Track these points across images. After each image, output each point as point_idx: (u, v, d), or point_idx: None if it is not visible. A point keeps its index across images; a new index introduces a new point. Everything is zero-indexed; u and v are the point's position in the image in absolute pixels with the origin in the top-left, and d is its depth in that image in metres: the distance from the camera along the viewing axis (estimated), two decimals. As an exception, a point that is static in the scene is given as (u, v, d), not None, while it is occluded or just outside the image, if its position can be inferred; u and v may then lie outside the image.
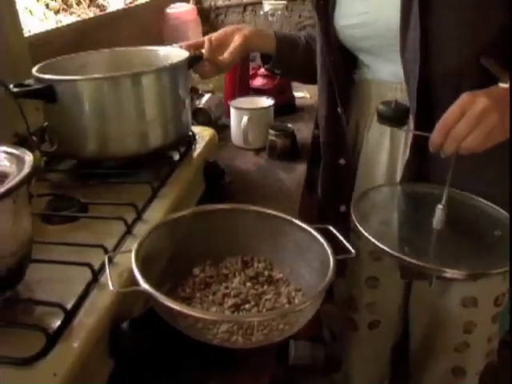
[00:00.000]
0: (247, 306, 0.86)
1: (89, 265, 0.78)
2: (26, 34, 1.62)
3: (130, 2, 3.95)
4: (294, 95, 2.02)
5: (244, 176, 1.48)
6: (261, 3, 2.47)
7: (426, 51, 1.06)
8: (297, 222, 0.93)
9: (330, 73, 1.28)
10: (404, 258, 0.89)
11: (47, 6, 3.80)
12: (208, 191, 1.26)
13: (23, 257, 0.72)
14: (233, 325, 0.77)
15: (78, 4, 4.00)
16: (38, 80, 1.08)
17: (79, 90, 1.06)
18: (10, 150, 0.76)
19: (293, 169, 1.52)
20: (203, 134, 1.34)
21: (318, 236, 0.89)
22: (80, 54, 1.31)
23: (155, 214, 0.97)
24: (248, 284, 0.90)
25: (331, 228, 0.92)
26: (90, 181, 1.09)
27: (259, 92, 1.86)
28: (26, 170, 0.68)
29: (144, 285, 0.74)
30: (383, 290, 1.49)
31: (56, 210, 0.98)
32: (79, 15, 3.89)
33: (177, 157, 1.19)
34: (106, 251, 0.83)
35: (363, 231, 0.94)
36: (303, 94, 2.15)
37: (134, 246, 0.81)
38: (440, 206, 1.01)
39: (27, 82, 1.09)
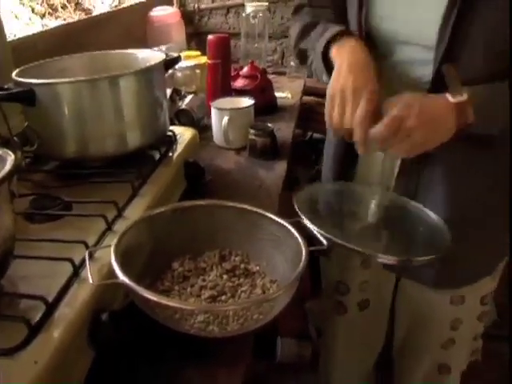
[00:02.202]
0: (223, 297, 0.89)
1: (70, 260, 0.81)
2: (12, 38, 1.64)
3: (116, 6, 3.97)
4: (275, 95, 2.06)
5: (225, 175, 1.51)
6: (243, 5, 2.50)
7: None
8: (271, 216, 0.97)
9: None
10: (345, 244, 0.95)
11: (33, 10, 3.80)
12: (189, 190, 1.30)
13: (5, 252, 0.75)
14: (209, 315, 0.81)
15: (63, 8, 4.00)
16: (18, 84, 1.11)
17: (58, 93, 1.09)
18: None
19: (273, 167, 1.55)
20: (184, 134, 1.37)
21: (292, 229, 0.93)
22: (59, 57, 1.34)
23: (135, 211, 1.00)
24: (225, 277, 0.94)
25: (304, 221, 0.96)
26: (73, 181, 1.11)
27: (241, 93, 1.88)
28: (7, 168, 0.72)
29: (122, 277, 0.77)
30: (376, 269, 1.49)
31: (40, 209, 1.01)
32: (65, 19, 3.90)
33: (157, 156, 1.22)
34: (87, 247, 0.86)
35: (306, 220, 1.00)
36: (285, 94, 2.18)
37: (114, 241, 0.85)
38: (374, 202, 1.13)
39: (7, 85, 1.12)
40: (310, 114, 2.32)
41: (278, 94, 2.10)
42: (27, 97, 1.09)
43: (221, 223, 1.01)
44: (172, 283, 0.93)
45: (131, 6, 2.63)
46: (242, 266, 0.97)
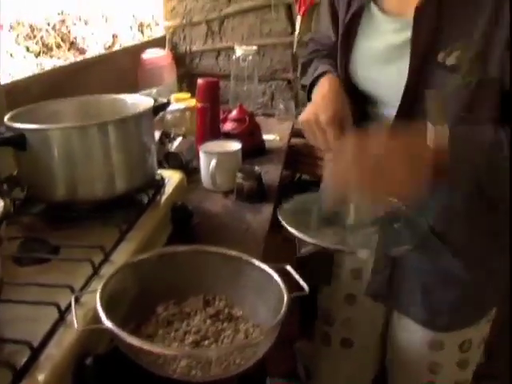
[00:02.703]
0: (206, 342, 0.90)
1: (56, 304, 0.83)
2: (7, 78, 1.68)
3: (109, 46, 4.00)
4: (263, 138, 2.09)
5: (212, 218, 1.53)
6: (233, 48, 2.56)
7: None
8: (255, 262, 0.99)
9: None
10: (311, 240, 1.05)
11: (28, 49, 3.85)
12: (176, 233, 1.31)
13: (-7, 297, 0.77)
14: (192, 360, 0.82)
15: (57, 47, 4.04)
16: (9, 128, 1.14)
17: (49, 138, 1.12)
18: (-19, 197, 0.82)
19: (259, 210, 1.57)
20: (172, 178, 1.39)
21: (275, 275, 0.95)
22: (51, 101, 1.37)
23: (122, 256, 1.02)
24: (208, 321, 0.95)
25: (288, 268, 0.99)
26: (61, 224, 1.14)
27: (230, 136, 1.91)
28: (-4, 216, 0.74)
29: (107, 322, 0.79)
30: (359, 308, 1.53)
31: (28, 252, 1.03)
32: (59, 58, 3.93)
33: (146, 200, 1.24)
34: (73, 291, 0.87)
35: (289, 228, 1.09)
36: (273, 136, 2.22)
37: (99, 286, 0.87)
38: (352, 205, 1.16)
39: (-1, 130, 1.14)
40: (298, 156, 2.36)
41: (266, 137, 2.13)
42: (18, 142, 1.12)
43: (205, 268, 1.03)
44: (156, 328, 0.94)
45: (123, 48, 2.68)
46: (226, 310, 0.99)
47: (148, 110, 1.26)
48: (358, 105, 1.30)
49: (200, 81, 1.86)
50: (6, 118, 1.18)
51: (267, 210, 1.58)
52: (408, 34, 1.12)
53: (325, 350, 1.68)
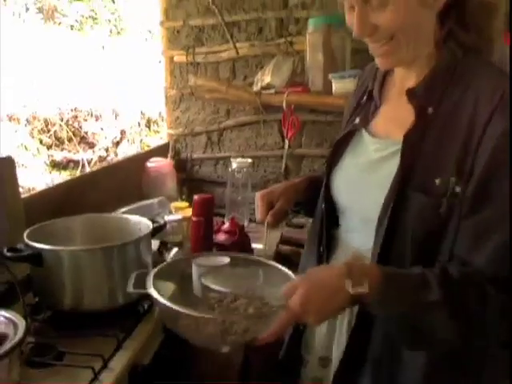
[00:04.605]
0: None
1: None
2: (19, 169, 1.87)
3: (117, 142, 4.26)
4: (252, 248, 2.27)
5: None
6: (230, 158, 2.78)
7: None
8: None
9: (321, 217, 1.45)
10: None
11: (41, 141, 4.10)
12: (168, 339, 1.47)
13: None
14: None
15: (69, 141, 4.30)
16: (28, 246, 1.34)
17: (62, 257, 1.34)
18: (6, 314, 1.01)
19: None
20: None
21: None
22: (64, 218, 1.59)
23: (119, 363, 1.21)
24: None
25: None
26: (66, 331, 1.32)
27: (222, 247, 2.09)
28: (19, 336, 0.93)
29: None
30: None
31: (38, 357, 1.20)
32: (69, 151, 4.19)
33: (141, 311, 1.43)
34: (76, 396, 1.06)
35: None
36: (261, 245, 2.39)
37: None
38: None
39: (19, 246, 1.34)
40: (286, 263, 2.52)
41: (255, 245, 2.30)
42: (36, 259, 1.33)
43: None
44: None
45: (129, 157, 2.93)
46: None
47: (147, 234, 1.47)
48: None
49: (196, 197, 2.05)
50: (25, 236, 1.38)
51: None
52: (386, 152, 1.24)
53: None
